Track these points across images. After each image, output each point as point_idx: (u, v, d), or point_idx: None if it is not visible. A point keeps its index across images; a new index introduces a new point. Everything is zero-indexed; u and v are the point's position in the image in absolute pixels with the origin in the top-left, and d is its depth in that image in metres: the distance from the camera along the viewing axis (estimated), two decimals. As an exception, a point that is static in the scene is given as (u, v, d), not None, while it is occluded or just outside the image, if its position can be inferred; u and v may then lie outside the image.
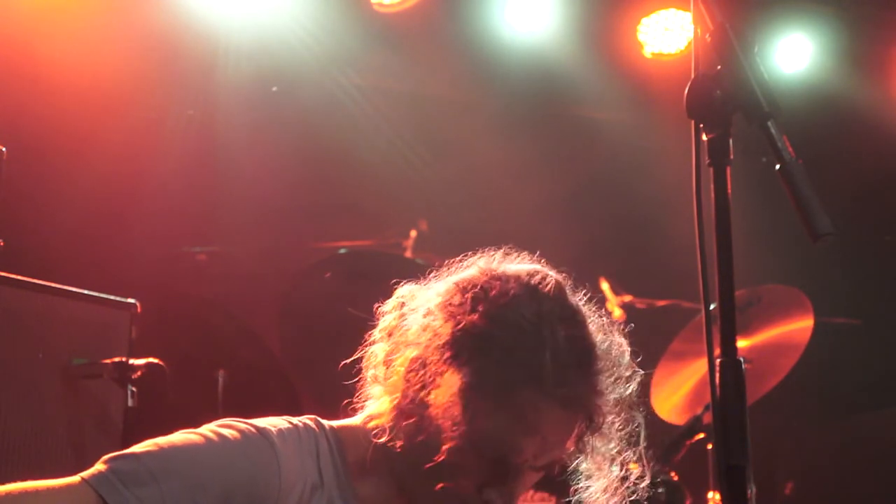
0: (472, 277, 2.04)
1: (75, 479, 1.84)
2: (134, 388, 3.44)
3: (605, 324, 2.08)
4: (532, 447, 1.97)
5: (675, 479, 4.72)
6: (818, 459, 6.54)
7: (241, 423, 1.97)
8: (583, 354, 2.00)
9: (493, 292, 1.99)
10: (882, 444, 6.27)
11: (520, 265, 2.09)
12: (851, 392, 6.52)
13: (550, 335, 1.96)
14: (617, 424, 2.06)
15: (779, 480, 6.34)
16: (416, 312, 2.05)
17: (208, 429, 1.95)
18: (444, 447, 1.93)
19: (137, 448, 1.90)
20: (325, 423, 2.08)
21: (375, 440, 2.00)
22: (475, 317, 1.96)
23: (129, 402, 3.43)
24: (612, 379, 2.04)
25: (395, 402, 1.99)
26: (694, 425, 4.88)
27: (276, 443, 1.95)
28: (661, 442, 4.88)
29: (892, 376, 6.44)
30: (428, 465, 1.94)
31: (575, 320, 2.02)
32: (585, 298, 2.10)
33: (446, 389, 1.93)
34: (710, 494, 4.79)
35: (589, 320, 2.06)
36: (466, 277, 2.05)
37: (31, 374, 3.31)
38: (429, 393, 1.95)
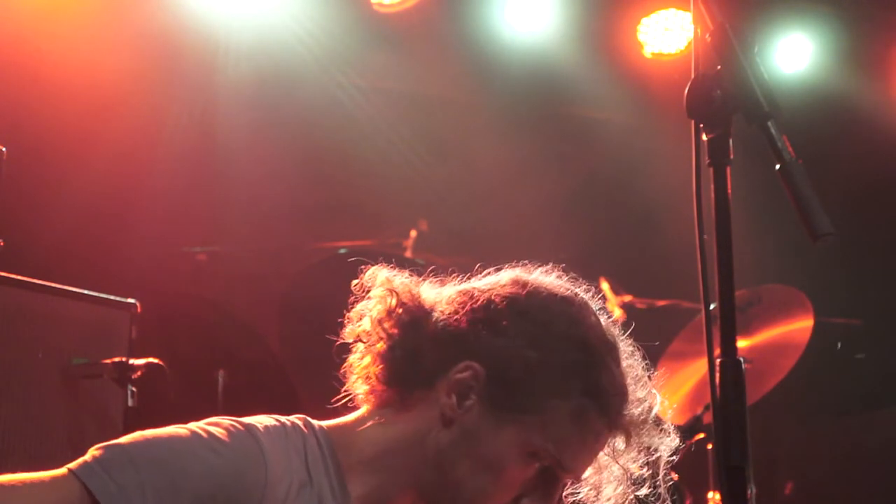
0: (544, 296, 2.03)
1: (62, 470, 1.87)
2: (134, 388, 3.44)
3: (631, 346, 2.12)
4: (586, 461, 2.03)
5: (675, 479, 4.72)
6: (818, 459, 6.54)
7: (227, 420, 1.98)
8: (629, 380, 2.05)
9: (567, 316, 2.00)
10: (882, 444, 6.27)
11: (570, 286, 2.09)
12: (851, 392, 6.53)
13: (615, 361, 2.02)
14: (634, 445, 2.08)
15: (779, 480, 6.34)
16: (436, 314, 2.03)
17: (196, 425, 1.97)
18: (501, 460, 1.96)
19: (125, 439, 1.93)
20: (315, 423, 2.08)
21: (405, 441, 2.00)
22: (554, 339, 1.97)
23: (129, 402, 3.44)
24: (640, 402, 2.07)
25: (437, 408, 1.99)
26: (694, 425, 4.88)
27: (261, 438, 1.96)
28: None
29: (892, 376, 6.44)
30: (474, 475, 1.97)
31: (618, 345, 2.07)
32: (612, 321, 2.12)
33: (522, 409, 1.95)
34: (710, 494, 4.79)
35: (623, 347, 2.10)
36: (533, 294, 2.02)
37: (31, 374, 3.31)
38: (489, 406, 1.96)
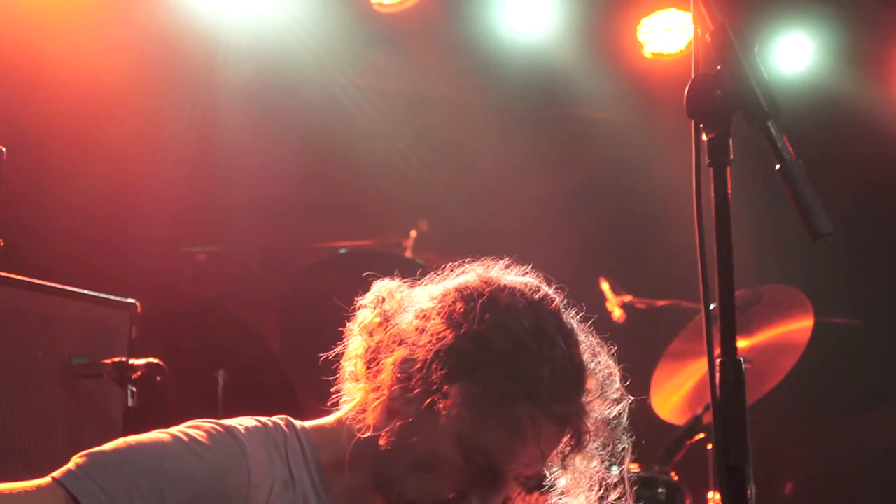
0: (476, 286, 2.03)
1: (46, 479, 1.88)
2: (134, 388, 3.44)
3: (595, 344, 2.09)
4: (523, 459, 1.99)
5: (675, 479, 4.72)
6: (818, 459, 6.54)
7: (208, 423, 2.00)
8: (577, 373, 2.02)
9: (499, 304, 1.99)
10: (882, 445, 6.27)
11: (517, 277, 2.09)
12: (851, 392, 6.53)
13: (550, 351, 1.98)
14: (599, 444, 2.06)
15: (779, 480, 6.34)
16: (404, 312, 2.05)
17: (177, 429, 1.98)
18: (437, 451, 1.95)
19: (107, 446, 1.94)
20: (297, 423, 2.10)
21: (360, 435, 2.00)
22: (481, 326, 1.96)
23: (129, 402, 3.43)
24: (600, 400, 2.05)
25: (382, 401, 2.00)
26: (694, 425, 4.88)
27: (242, 440, 1.98)
28: (662, 442, 4.88)
29: (892, 376, 6.45)
30: (417, 469, 1.96)
31: (571, 338, 2.04)
32: (578, 317, 2.09)
33: (447, 396, 1.94)
34: (710, 494, 4.79)
35: (580, 340, 2.07)
36: (468, 285, 2.04)
37: (31, 374, 3.31)
38: (425, 397, 1.96)
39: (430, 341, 1.97)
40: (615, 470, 2.11)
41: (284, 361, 5.19)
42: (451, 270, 2.12)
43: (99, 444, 1.94)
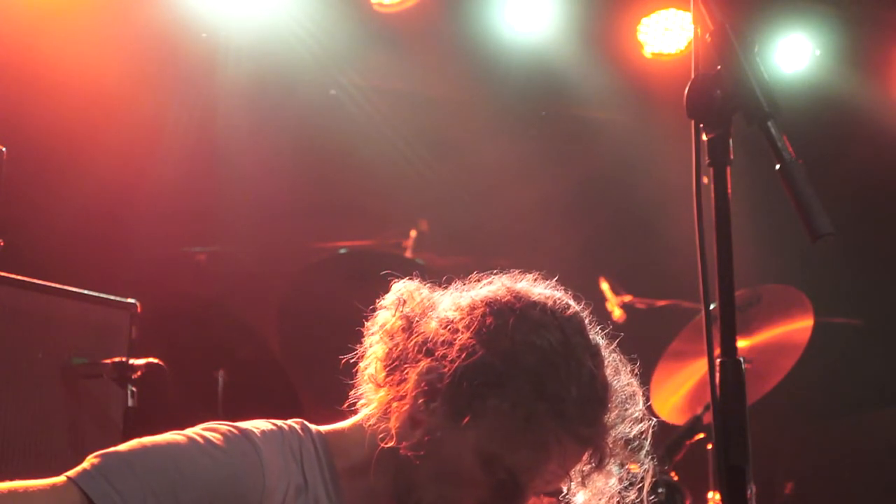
0: (506, 301, 2.01)
1: (61, 478, 1.87)
2: (134, 388, 3.44)
3: (618, 361, 2.08)
4: (545, 476, 1.98)
5: (675, 479, 4.72)
6: (818, 459, 6.54)
7: (224, 426, 1.99)
8: (602, 392, 2.01)
9: (530, 321, 1.98)
10: (882, 444, 6.27)
11: (545, 291, 2.06)
12: (851, 392, 6.53)
13: (577, 370, 1.97)
14: (619, 463, 2.06)
15: (779, 480, 6.34)
16: (427, 318, 2.03)
17: (192, 431, 1.97)
18: (460, 464, 1.95)
19: (123, 447, 1.92)
20: (312, 427, 2.09)
21: (383, 444, 1.99)
22: (512, 344, 1.95)
23: (129, 402, 3.44)
24: (621, 419, 2.04)
25: (406, 410, 1.98)
26: (694, 425, 4.88)
27: (258, 443, 1.97)
28: (662, 442, 4.88)
29: (892, 376, 6.45)
30: (438, 480, 1.96)
31: (597, 357, 2.03)
32: (603, 333, 2.08)
33: (474, 411, 1.93)
34: (710, 494, 4.79)
35: (604, 357, 2.05)
36: (498, 299, 2.01)
37: (31, 374, 3.32)
38: (451, 410, 1.95)
39: (458, 355, 1.95)
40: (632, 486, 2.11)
41: (284, 361, 5.19)
42: (478, 280, 2.10)
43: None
